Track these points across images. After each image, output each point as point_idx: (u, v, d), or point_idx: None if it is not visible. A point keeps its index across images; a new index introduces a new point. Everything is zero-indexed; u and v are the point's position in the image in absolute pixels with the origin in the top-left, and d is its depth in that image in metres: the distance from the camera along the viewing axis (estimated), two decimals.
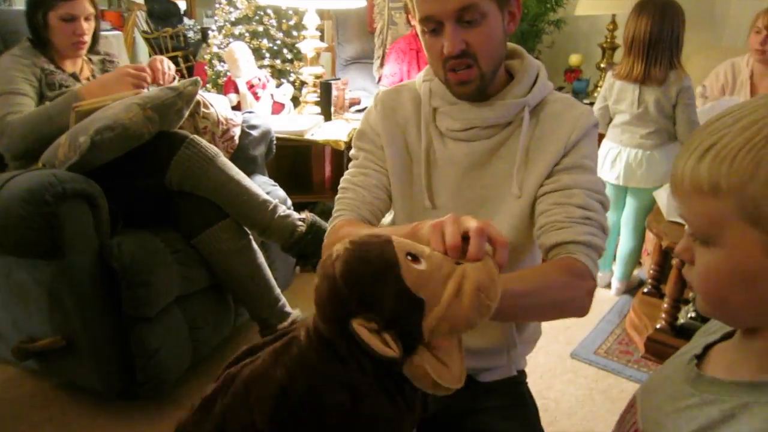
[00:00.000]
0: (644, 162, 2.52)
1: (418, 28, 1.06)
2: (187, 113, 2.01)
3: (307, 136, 2.78)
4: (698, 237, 0.59)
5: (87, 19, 2.12)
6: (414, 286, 0.65)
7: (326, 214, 1.43)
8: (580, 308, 0.94)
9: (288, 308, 2.04)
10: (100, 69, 2.31)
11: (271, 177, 2.50)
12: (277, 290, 2.03)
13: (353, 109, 3.13)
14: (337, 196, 1.16)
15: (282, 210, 1.99)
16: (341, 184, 1.17)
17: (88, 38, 2.15)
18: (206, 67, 3.57)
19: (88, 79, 2.21)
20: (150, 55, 7.64)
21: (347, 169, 1.21)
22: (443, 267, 0.67)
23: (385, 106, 1.18)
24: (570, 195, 1.01)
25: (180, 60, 7.48)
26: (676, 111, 2.41)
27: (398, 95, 1.19)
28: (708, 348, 0.67)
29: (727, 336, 0.67)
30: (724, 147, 0.53)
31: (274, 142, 2.54)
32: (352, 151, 1.23)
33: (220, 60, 3.38)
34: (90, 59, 2.29)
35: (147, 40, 7.45)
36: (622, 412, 0.75)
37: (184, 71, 7.41)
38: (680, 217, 0.60)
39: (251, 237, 2.00)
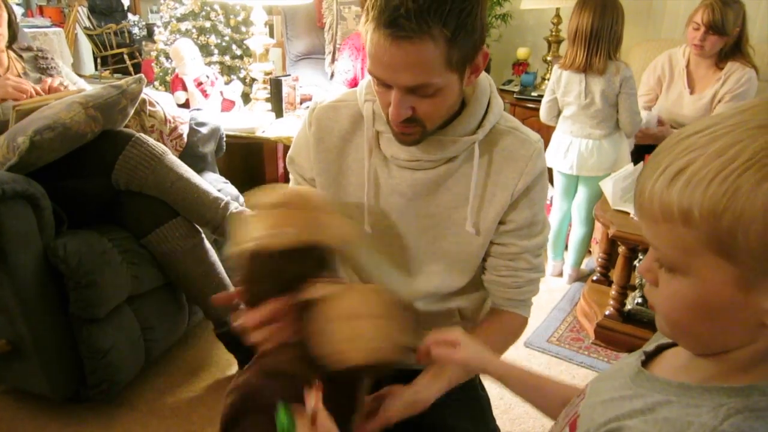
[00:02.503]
0: (595, 151, 2.60)
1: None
2: (132, 111, 1.97)
3: (259, 134, 2.76)
4: (664, 264, 0.56)
5: None
6: None
7: None
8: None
9: (243, 306, 2.02)
10: (33, 66, 2.22)
11: (223, 175, 2.47)
12: (231, 288, 2.01)
13: (305, 105, 3.11)
14: None
15: (234, 207, 1.96)
16: None
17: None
18: (153, 64, 3.50)
19: (19, 76, 2.12)
20: (94, 53, 7.44)
21: None
22: None
23: (320, 126, 1.13)
24: (518, 260, 1.13)
25: (125, 57, 7.31)
26: (619, 99, 2.50)
27: (336, 113, 1.13)
28: (663, 348, 0.67)
29: None
30: (698, 172, 0.50)
31: (224, 139, 2.51)
32: (288, 166, 1.24)
33: (167, 57, 3.31)
34: (20, 56, 2.19)
35: (90, 36, 7.24)
36: (574, 396, 0.76)
37: (130, 68, 7.24)
38: (646, 240, 0.57)
39: (203, 235, 1.97)
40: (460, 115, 1.06)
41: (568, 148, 2.65)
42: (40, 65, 2.24)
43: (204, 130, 2.35)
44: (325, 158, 1.14)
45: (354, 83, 2.90)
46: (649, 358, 0.66)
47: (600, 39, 2.43)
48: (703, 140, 0.51)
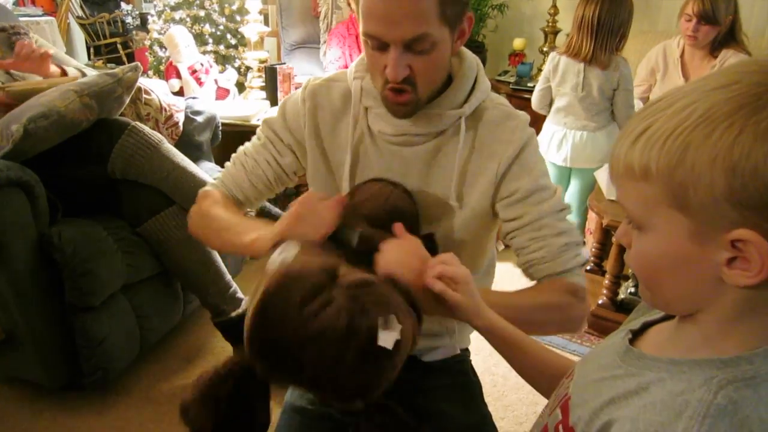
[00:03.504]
0: (589, 143, 2.60)
1: (361, 35, 1.00)
2: (127, 100, 1.96)
3: (254, 122, 2.75)
4: (632, 221, 0.59)
5: None
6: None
7: (275, 200, 1.42)
8: (576, 328, 1.09)
9: (240, 294, 2.03)
10: (7, 45, 2.17)
11: (218, 164, 2.47)
12: (228, 276, 2.02)
13: None
14: (231, 159, 1.23)
15: None
16: (239, 150, 1.22)
17: None
18: (147, 53, 3.49)
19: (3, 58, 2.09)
20: (87, 43, 7.38)
21: None
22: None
23: (314, 103, 1.13)
24: (542, 227, 1.04)
25: (119, 46, 7.26)
26: (616, 95, 2.50)
27: (328, 91, 1.14)
28: (648, 326, 0.68)
29: (668, 317, 0.68)
30: (656, 131, 0.53)
31: (220, 128, 2.51)
32: (261, 126, 1.20)
33: (161, 46, 3.30)
34: None
35: (83, 26, 7.19)
36: (563, 378, 0.77)
37: (124, 58, 7.18)
38: (618, 202, 0.60)
39: None
40: (447, 89, 1.06)
41: (562, 141, 2.65)
42: (14, 42, 2.18)
43: (200, 118, 2.35)
44: (317, 134, 1.14)
45: (346, 68, 2.90)
46: (636, 336, 0.68)
47: (605, 32, 2.41)
48: (663, 104, 0.54)
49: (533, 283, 1.09)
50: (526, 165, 1.06)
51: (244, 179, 1.19)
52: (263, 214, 1.99)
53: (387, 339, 0.73)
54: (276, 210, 1.98)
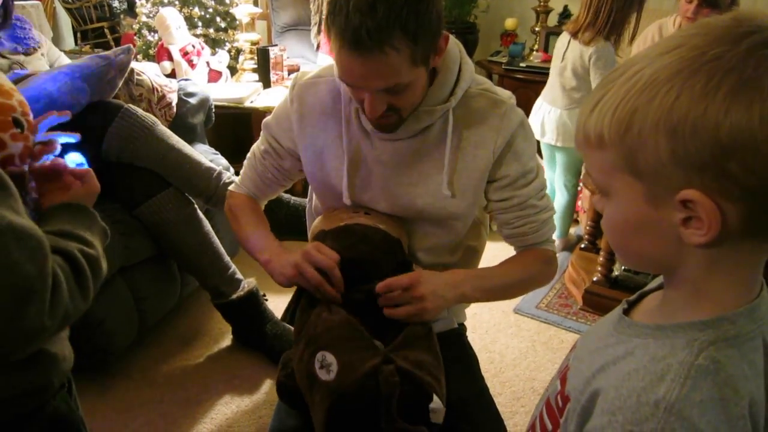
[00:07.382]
0: (571, 122, 2.59)
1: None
2: (120, 83, 1.95)
3: (247, 104, 2.74)
4: (598, 189, 0.61)
5: None
6: None
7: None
8: (547, 283, 1.28)
9: (239, 275, 2.03)
10: (8, 34, 2.16)
11: (212, 146, 2.46)
12: (227, 258, 2.02)
13: (292, 75, 3.09)
14: (247, 158, 1.34)
15: (227, 176, 1.96)
16: (252, 149, 1.33)
17: None
18: (135, 37, 3.45)
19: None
20: (73, 27, 7.28)
21: None
22: None
23: (302, 103, 1.17)
24: (525, 207, 1.17)
25: (106, 31, 7.17)
26: (591, 76, 2.48)
27: (316, 89, 1.16)
28: (644, 296, 0.70)
29: (662, 286, 0.69)
30: (608, 99, 0.55)
31: (213, 110, 2.50)
32: (262, 128, 1.27)
33: (150, 29, 3.26)
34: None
35: (69, 10, 7.09)
36: (568, 353, 0.79)
37: (111, 43, 7.10)
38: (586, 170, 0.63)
39: (195, 205, 1.97)
40: (432, 85, 1.08)
41: (544, 118, 2.65)
42: (17, 35, 2.17)
43: (193, 100, 2.33)
44: (309, 134, 1.17)
45: None
46: (632, 306, 0.69)
47: (598, 9, 2.39)
48: (617, 73, 0.56)
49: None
50: (517, 152, 1.13)
51: (257, 181, 1.31)
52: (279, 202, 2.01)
53: (438, 416, 0.96)
54: (287, 197, 2.00)
